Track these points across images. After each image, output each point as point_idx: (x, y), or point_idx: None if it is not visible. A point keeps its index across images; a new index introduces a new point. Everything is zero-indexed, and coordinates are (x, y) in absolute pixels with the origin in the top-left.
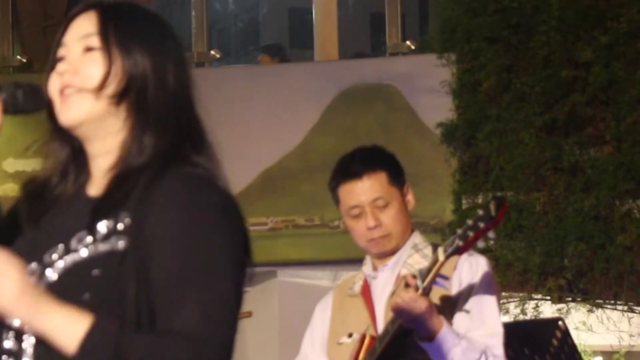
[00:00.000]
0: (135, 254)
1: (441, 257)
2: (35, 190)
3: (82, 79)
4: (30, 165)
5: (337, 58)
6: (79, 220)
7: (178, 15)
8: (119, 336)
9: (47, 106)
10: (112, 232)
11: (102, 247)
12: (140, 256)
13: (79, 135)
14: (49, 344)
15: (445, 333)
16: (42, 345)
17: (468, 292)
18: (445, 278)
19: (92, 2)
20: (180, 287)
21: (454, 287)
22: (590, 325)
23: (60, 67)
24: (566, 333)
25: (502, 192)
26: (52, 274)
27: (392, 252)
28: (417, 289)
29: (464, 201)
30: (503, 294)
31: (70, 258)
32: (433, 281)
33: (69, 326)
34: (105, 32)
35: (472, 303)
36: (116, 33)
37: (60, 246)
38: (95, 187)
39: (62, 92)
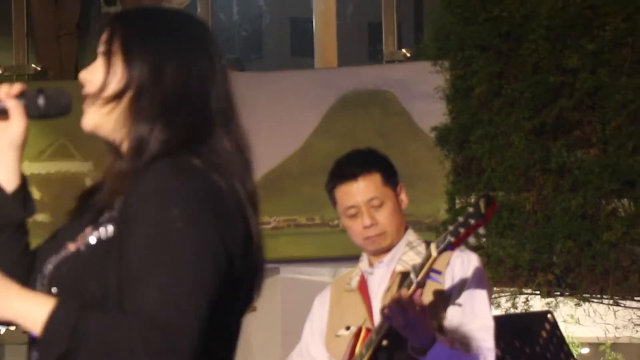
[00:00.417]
0: (119, 239)
1: (434, 252)
2: (89, 192)
3: (91, 85)
4: (45, 168)
5: (336, 65)
6: (89, 215)
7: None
8: (76, 318)
9: (70, 110)
10: (106, 220)
11: (95, 234)
12: (121, 240)
13: (105, 138)
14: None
15: (438, 347)
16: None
17: (460, 287)
18: (438, 273)
19: (114, 14)
20: (142, 272)
21: (447, 282)
22: (578, 318)
23: (81, 75)
24: (555, 325)
25: (494, 192)
26: (49, 265)
27: (388, 249)
28: (411, 284)
29: (457, 201)
30: (495, 288)
31: (72, 246)
32: (427, 276)
33: (33, 311)
34: (111, 37)
35: (464, 297)
36: (120, 39)
37: (73, 239)
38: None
39: (84, 99)
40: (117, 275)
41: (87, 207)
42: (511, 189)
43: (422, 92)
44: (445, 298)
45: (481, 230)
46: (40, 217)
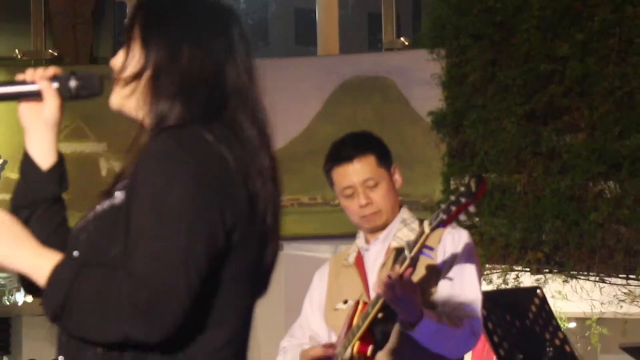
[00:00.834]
0: (127, 204)
1: (427, 229)
2: (118, 176)
3: (117, 67)
4: (62, 148)
5: (338, 53)
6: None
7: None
8: (74, 275)
9: (101, 91)
10: (118, 188)
11: (109, 201)
12: (128, 206)
13: (131, 117)
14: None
15: (425, 322)
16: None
17: (451, 262)
18: (431, 249)
19: (138, 2)
20: (139, 234)
21: (439, 257)
22: (565, 294)
23: (112, 61)
24: (544, 301)
25: (487, 174)
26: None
27: (383, 227)
28: (405, 259)
29: (452, 182)
30: (487, 265)
31: (90, 215)
32: (419, 252)
33: (40, 266)
34: (131, 24)
35: (454, 272)
36: (140, 24)
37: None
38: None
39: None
40: (124, 238)
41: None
42: (503, 171)
43: (419, 79)
44: (436, 272)
45: (472, 209)
46: None
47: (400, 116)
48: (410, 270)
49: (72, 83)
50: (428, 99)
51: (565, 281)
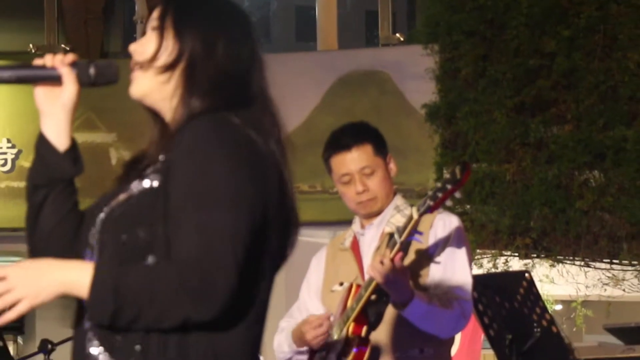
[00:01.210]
0: (164, 188)
1: (415, 215)
2: (134, 161)
3: (142, 55)
4: None
5: (336, 48)
6: (137, 172)
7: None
8: (116, 281)
9: (117, 79)
10: (152, 172)
11: (143, 184)
12: (166, 190)
13: (151, 106)
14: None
15: (416, 302)
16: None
17: (442, 246)
18: (420, 233)
19: None
20: (183, 218)
21: (430, 241)
22: (552, 278)
23: (131, 47)
24: (531, 284)
25: (478, 164)
26: (102, 214)
27: (378, 213)
28: (395, 244)
29: (444, 171)
30: (478, 250)
31: (122, 196)
32: (409, 236)
33: (78, 280)
34: (163, 15)
35: (445, 256)
36: (173, 15)
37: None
38: None
39: (132, 68)
40: (163, 221)
41: (132, 173)
42: (493, 161)
43: (414, 73)
44: (427, 256)
45: (457, 194)
46: None
47: (395, 108)
48: (400, 254)
49: (92, 70)
50: (422, 92)
51: (552, 265)
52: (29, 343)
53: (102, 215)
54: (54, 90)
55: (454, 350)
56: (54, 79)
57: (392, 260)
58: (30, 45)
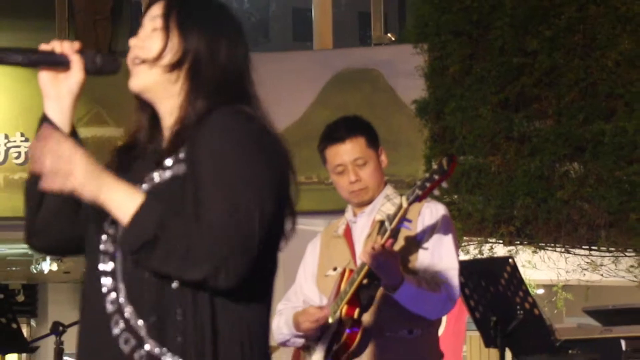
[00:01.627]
0: (191, 175)
1: (404, 204)
2: (125, 148)
3: (145, 51)
4: (82, 133)
5: (331, 47)
6: (150, 164)
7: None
8: (162, 215)
9: (119, 70)
10: (175, 163)
11: (168, 174)
12: (193, 175)
13: (147, 99)
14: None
15: (405, 286)
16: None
17: (429, 233)
18: (409, 221)
19: None
20: (211, 188)
21: (418, 228)
22: (535, 264)
23: (131, 41)
24: (515, 269)
25: (464, 157)
26: None
27: (369, 202)
28: (385, 231)
29: (433, 163)
30: (464, 238)
31: (143, 187)
32: (399, 224)
33: (125, 201)
34: (168, 14)
35: (433, 242)
36: (177, 15)
37: (139, 185)
38: (165, 141)
39: (132, 62)
40: (192, 205)
41: (129, 162)
42: (479, 154)
43: (405, 71)
44: (415, 243)
45: (445, 185)
46: None
47: (387, 104)
48: (391, 240)
49: (98, 60)
50: (412, 88)
51: (534, 252)
52: (42, 325)
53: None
54: (58, 75)
55: (440, 330)
56: (63, 65)
57: (383, 246)
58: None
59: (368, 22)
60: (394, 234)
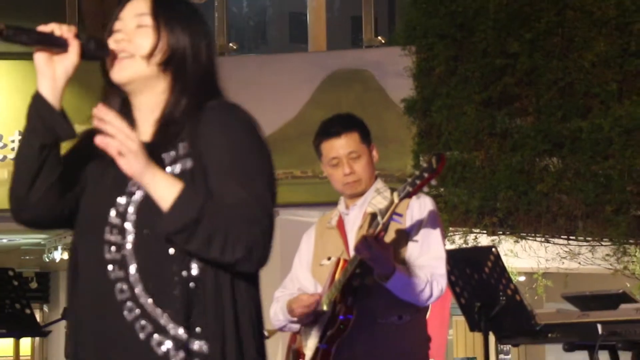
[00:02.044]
0: (199, 168)
1: (396, 199)
2: (92, 133)
3: (135, 47)
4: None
5: (325, 50)
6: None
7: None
8: (203, 201)
9: (109, 56)
10: (178, 158)
11: (174, 170)
12: (202, 168)
13: (128, 90)
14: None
15: (396, 275)
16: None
17: (418, 226)
18: (399, 215)
19: None
20: (229, 176)
21: (407, 222)
22: (516, 252)
23: (117, 36)
24: (498, 257)
25: (450, 152)
26: (132, 207)
27: (361, 193)
28: (378, 224)
29: (421, 158)
30: (450, 228)
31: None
32: (390, 218)
33: (168, 187)
34: (157, 14)
35: (421, 234)
36: (164, 15)
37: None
38: (142, 133)
39: (116, 55)
40: (205, 195)
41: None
42: (464, 149)
43: (394, 72)
44: (405, 235)
45: (433, 182)
46: None
47: (377, 103)
48: (382, 233)
49: (92, 45)
50: (401, 88)
51: (516, 241)
52: (54, 311)
53: (131, 208)
54: (53, 57)
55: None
56: (61, 46)
57: (376, 237)
58: None
59: (359, 25)
60: (385, 228)
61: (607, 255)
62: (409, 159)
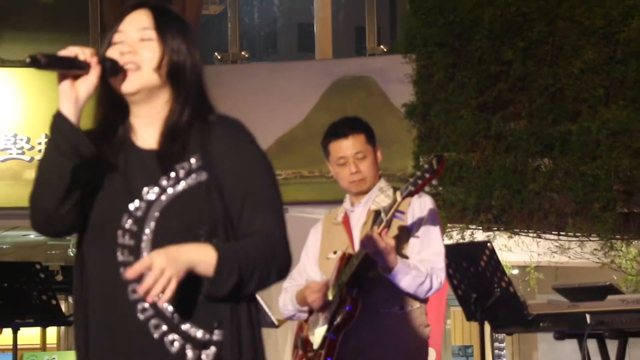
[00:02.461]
0: (214, 181)
1: (398, 198)
2: (94, 136)
3: (141, 59)
4: None
5: (331, 58)
6: (153, 166)
7: (218, 27)
8: (238, 258)
9: (121, 73)
10: (191, 170)
11: (190, 181)
12: (216, 182)
13: (132, 100)
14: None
15: (399, 268)
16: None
17: (419, 223)
18: (402, 212)
19: (142, 2)
20: (253, 199)
21: (409, 219)
22: (510, 247)
23: (123, 48)
24: (493, 252)
25: (448, 153)
26: (155, 212)
27: (366, 191)
28: (381, 221)
29: (420, 159)
30: (448, 225)
31: (167, 193)
32: (393, 215)
33: (205, 258)
34: (160, 28)
35: (422, 231)
36: (167, 30)
37: (153, 186)
38: (143, 140)
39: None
40: (222, 206)
41: (108, 148)
42: (461, 151)
43: (395, 78)
44: (407, 231)
45: (434, 182)
46: None
47: (380, 107)
48: (386, 230)
49: (108, 64)
50: (402, 93)
51: (510, 237)
52: None
53: (155, 213)
54: (74, 79)
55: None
56: (83, 69)
57: (379, 234)
58: None
59: (363, 35)
60: (388, 225)
61: (595, 249)
62: (409, 159)
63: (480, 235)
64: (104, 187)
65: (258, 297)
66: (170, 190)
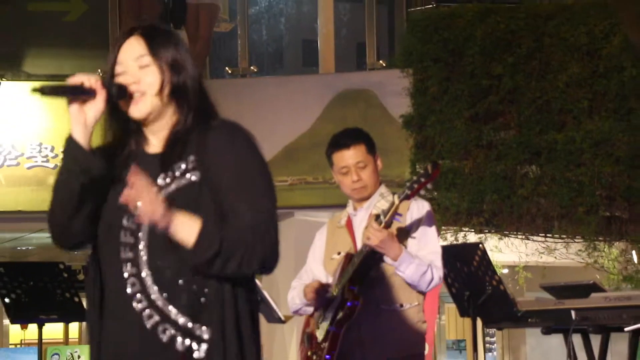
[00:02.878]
0: (207, 180)
1: (396, 201)
2: (105, 152)
3: (144, 85)
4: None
5: (334, 72)
6: (154, 167)
7: (229, 43)
8: (220, 231)
9: (126, 97)
10: (187, 170)
11: (184, 181)
12: (208, 181)
13: (144, 121)
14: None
15: (404, 256)
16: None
17: (417, 225)
18: (400, 215)
19: (133, 28)
20: (239, 194)
21: (407, 221)
22: (500, 248)
23: (127, 79)
24: (484, 253)
25: (442, 161)
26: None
27: (367, 198)
28: (381, 222)
29: (417, 166)
30: (442, 227)
31: (163, 192)
32: (392, 217)
33: (188, 226)
34: (155, 53)
35: (419, 232)
36: (161, 52)
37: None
38: (152, 146)
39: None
40: (214, 202)
41: (120, 162)
42: (454, 158)
43: (394, 91)
44: (405, 232)
45: (429, 186)
46: None
47: (379, 118)
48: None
49: (114, 89)
50: (400, 105)
51: (500, 239)
52: None
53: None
54: (82, 105)
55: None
56: (90, 95)
57: (382, 228)
58: (99, 70)
59: (364, 51)
60: (388, 225)
61: (580, 250)
62: (406, 167)
63: (472, 237)
64: (112, 196)
65: (266, 294)
66: (165, 189)
